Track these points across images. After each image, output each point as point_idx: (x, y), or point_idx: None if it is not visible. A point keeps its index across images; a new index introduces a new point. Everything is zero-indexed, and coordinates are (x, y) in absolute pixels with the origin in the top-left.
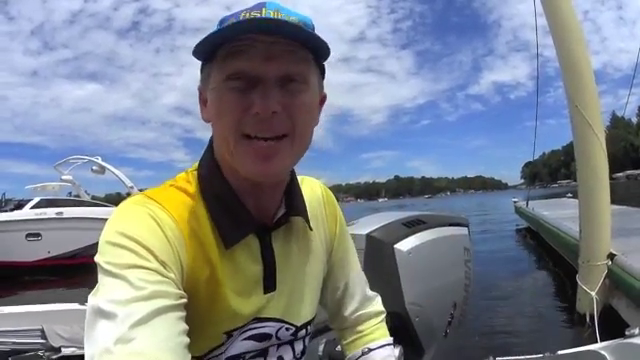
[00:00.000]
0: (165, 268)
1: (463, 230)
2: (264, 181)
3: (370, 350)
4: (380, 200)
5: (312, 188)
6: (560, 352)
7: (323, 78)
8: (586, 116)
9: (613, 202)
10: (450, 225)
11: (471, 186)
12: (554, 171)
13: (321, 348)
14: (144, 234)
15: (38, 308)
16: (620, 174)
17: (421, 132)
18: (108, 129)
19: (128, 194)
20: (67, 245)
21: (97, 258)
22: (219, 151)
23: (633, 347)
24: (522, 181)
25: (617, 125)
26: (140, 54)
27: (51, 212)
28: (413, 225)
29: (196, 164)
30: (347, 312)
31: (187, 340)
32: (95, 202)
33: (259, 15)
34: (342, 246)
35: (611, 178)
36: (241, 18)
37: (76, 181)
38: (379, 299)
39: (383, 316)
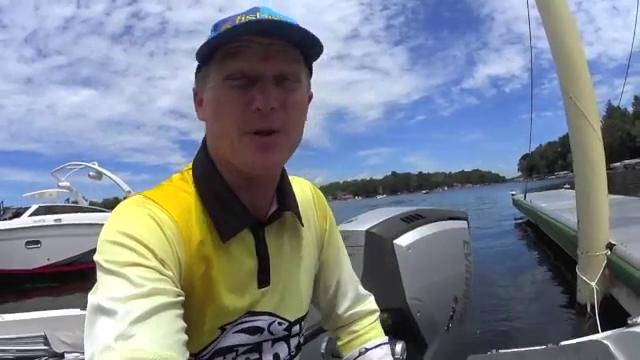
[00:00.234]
0: (164, 266)
1: (462, 224)
2: (263, 174)
3: (367, 350)
4: (379, 197)
5: (302, 187)
6: (563, 343)
7: (310, 77)
8: (581, 107)
9: (611, 192)
10: (449, 219)
11: (469, 180)
12: (551, 163)
13: (323, 346)
14: (143, 233)
15: (40, 315)
16: (618, 164)
17: (417, 128)
18: (104, 134)
19: (125, 199)
20: (66, 252)
21: (96, 257)
22: (216, 148)
23: (635, 336)
24: (519, 174)
25: (613, 115)
26: (134, 58)
27: (50, 219)
28: (412, 220)
29: (190, 164)
30: (340, 310)
31: (185, 337)
32: (93, 208)
33: (254, 19)
34: (333, 244)
35: (609, 168)
36: (237, 22)
37: (73, 187)
38: (372, 298)
39: (377, 315)
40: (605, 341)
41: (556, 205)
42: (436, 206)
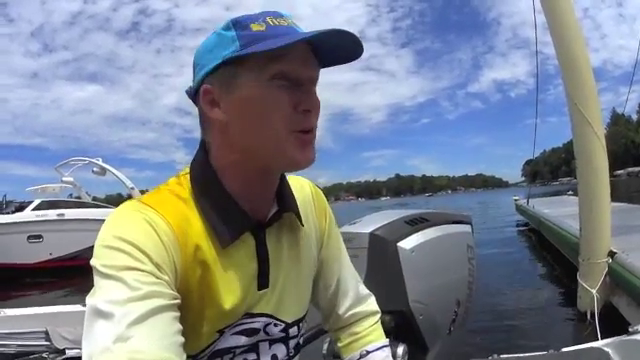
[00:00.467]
0: (159, 270)
1: (466, 228)
2: (302, 168)
3: (368, 353)
4: (382, 199)
5: (301, 185)
6: (564, 349)
7: None
8: (585, 114)
9: (614, 199)
10: (453, 223)
11: (472, 184)
12: (555, 169)
13: (325, 347)
14: (139, 238)
15: (42, 310)
16: (621, 171)
17: (421, 130)
18: (109, 130)
19: (129, 195)
20: (68, 247)
21: (93, 262)
22: (249, 146)
23: (636, 344)
24: (523, 179)
25: (617, 122)
26: (140, 55)
27: (52, 214)
28: (416, 223)
29: (187, 168)
30: (341, 310)
31: (182, 339)
32: (96, 203)
33: (283, 22)
34: (332, 242)
35: (612, 175)
36: (272, 23)
37: (77, 182)
38: (373, 299)
39: (378, 316)
40: (606, 348)
41: (559, 211)
42: (440, 209)
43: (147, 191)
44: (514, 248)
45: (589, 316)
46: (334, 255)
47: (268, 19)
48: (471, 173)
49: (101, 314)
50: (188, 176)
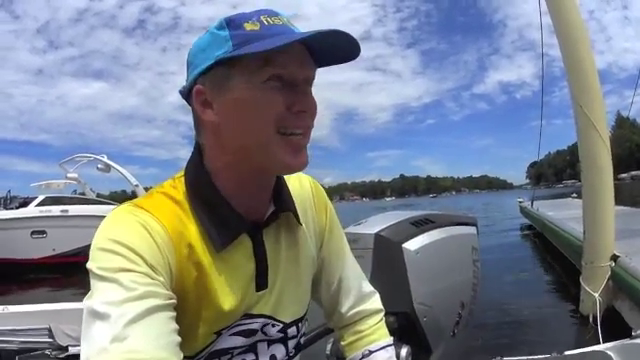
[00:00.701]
0: (154, 272)
1: (471, 229)
2: (294, 172)
3: (371, 352)
4: (387, 199)
5: (300, 182)
6: (567, 352)
7: None
8: (590, 117)
9: (618, 203)
10: (458, 224)
11: (477, 186)
12: (559, 171)
13: (329, 347)
14: (134, 240)
15: (45, 307)
16: (625, 175)
17: (426, 131)
18: (114, 127)
19: (133, 192)
20: (72, 243)
21: (89, 265)
22: (239, 148)
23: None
24: (527, 181)
25: (622, 125)
26: (146, 52)
27: (56, 210)
28: (421, 224)
29: (182, 171)
30: (344, 308)
31: (178, 339)
32: (100, 200)
33: (278, 21)
34: (333, 239)
35: (616, 179)
36: (266, 22)
37: (81, 179)
38: (377, 296)
39: (382, 314)
40: (609, 352)
41: (563, 214)
42: (445, 211)
43: (151, 188)
44: (517, 250)
45: (591, 320)
46: (336, 252)
47: (262, 18)
48: (476, 174)
49: (98, 315)
50: (183, 179)
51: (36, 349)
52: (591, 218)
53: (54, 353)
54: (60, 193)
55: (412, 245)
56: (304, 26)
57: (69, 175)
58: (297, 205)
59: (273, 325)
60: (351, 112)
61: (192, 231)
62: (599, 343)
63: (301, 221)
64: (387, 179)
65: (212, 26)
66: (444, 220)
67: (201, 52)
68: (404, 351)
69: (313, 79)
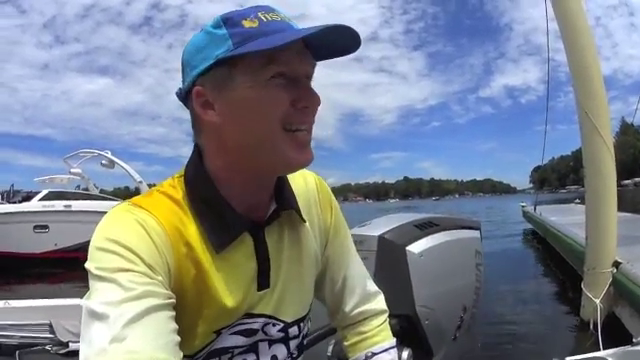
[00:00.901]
0: (153, 271)
1: (475, 233)
2: (301, 168)
3: (374, 354)
4: (391, 201)
5: (305, 179)
6: (568, 358)
7: None
8: (595, 123)
9: (621, 210)
10: (462, 228)
11: (480, 189)
12: (563, 176)
13: (330, 349)
14: (132, 240)
15: (46, 302)
16: (628, 181)
17: (431, 134)
18: (118, 123)
19: (137, 188)
20: (74, 238)
21: (87, 265)
22: (244, 148)
23: None
24: (531, 185)
25: (626, 132)
26: (152, 49)
27: (59, 205)
28: (425, 227)
29: (182, 170)
30: (348, 308)
31: (178, 338)
32: (103, 196)
33: (276, 17)
34: (338, 237)
35: (619, 185)
36: (264, 19)
37: (85, 174)
38: (382, 297)
39: (386, 315)
40: (610, 358)
41: (566, 219)
42: (448, 214)
43: (155, 185)
44: (520, 255)
45: (592, 326)
46: (341, 250)
47: (260, 14)
48: (479, 178)
49: (96, 316)
50: (182, 179)
51: (37, 344)
52: (594, 224)
53: (54, 349)
54: (63, 188)
55: (416, 248)
56: (309, 25)
57: (73, 170)
58: (301, 202)
59: (274, 325)
60: (356, 113)
61: (191, 230)
62: (599, 349)
63: (305, 218)
64: (391, 181)
65: (207, 25)
66: (448, 223)
67: (199, 52)
68: (405, 354)
69: (313, 74)
